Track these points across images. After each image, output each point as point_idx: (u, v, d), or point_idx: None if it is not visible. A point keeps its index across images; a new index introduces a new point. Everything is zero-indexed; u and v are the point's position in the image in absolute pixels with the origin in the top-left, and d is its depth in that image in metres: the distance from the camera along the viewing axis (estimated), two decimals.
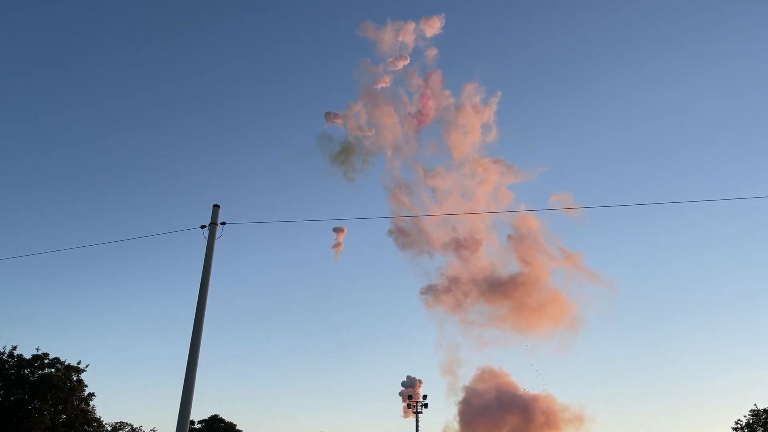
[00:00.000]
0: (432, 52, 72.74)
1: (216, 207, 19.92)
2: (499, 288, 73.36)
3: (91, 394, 57.04)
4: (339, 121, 74.65)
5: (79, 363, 55.85)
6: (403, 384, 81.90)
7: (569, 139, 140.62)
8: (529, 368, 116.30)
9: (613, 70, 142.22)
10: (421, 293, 76.67)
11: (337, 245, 78.01)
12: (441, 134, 76.59)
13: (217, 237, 19.74)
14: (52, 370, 54.48)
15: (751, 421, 62.66)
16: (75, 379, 55.29)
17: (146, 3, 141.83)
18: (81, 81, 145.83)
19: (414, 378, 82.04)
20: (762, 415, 62.40)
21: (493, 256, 77.51)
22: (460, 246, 73.78)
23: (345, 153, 74.90)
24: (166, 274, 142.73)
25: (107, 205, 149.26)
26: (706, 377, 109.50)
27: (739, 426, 63.28)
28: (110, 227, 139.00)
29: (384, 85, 73.01)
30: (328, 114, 75.19)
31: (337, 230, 75.61)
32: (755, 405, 63.06)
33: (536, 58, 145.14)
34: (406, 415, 78.69)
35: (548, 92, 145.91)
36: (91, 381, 70.13)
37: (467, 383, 74.98)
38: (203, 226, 19.67)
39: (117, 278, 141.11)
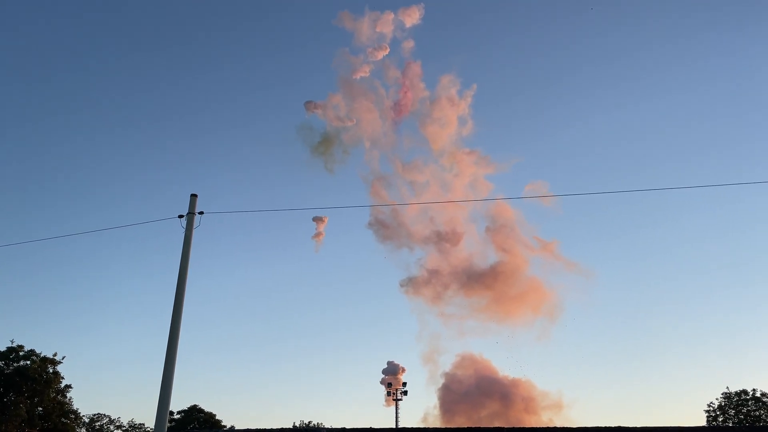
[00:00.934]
0: (409, 45, 72.55)
1: (193, 196, 19.68)
2: (478, 279, 74.13)
3: (68, 386, 56.58)
4: (319, 111, 74.24)
5: (54, 355, 55.33)
6: (385, 371, 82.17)
7: (544, 131, 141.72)
8: (509, 356, 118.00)
9: (589, 63, 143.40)
10: (401, 285, 77.00)
11: (317, 235, 77.82)
12: (419, 126, 76.72)
13: (195, 227, 19.53)
14: (28, 362, 53.83)
15: (723, 404, 64.29)
16: (51, 371, 54.70)
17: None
18: (59, 73, 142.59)
19: (396, 365, 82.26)
20: (733, 398, 64.04)
21: (472, 248, 78.19)
22: (441, 239, 74.23)
23: (325, 144, 74.67)
24: (144, 265, 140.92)
25: (82, 194, 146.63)
26: (681, 362, 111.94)
27: (711, 408, 64.91)
28: (85, 217, 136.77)
29: (363, 74, 72.72)
30: (308, 103, 74.74)
31: (318, 220, 75.34)
32: (727, 388, 64.76)
33: (512, 48, 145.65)
34: (388, 404, 79.18)
35: (524, 83, 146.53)
36: (67, 373, 69.25)
37: (447, 370, 75.76)
38: (181, 216, 19.44)
39: (93, 269, 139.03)
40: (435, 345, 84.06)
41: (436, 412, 74.22)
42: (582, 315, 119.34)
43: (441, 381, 74.83)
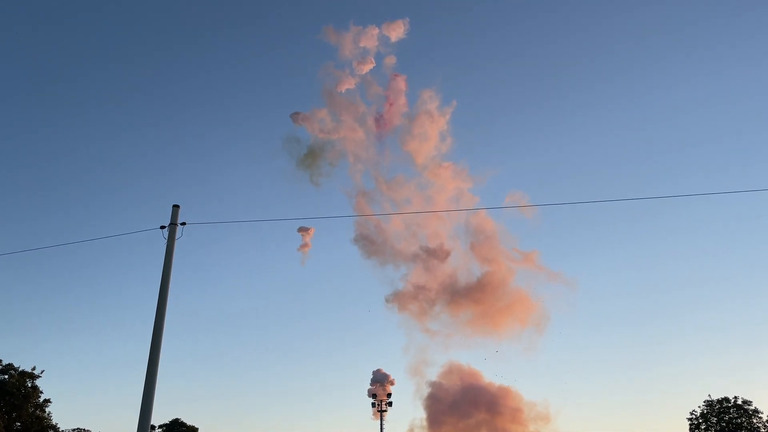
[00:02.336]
0: (393, 59, 72.80)
1: (176, 207, 19.55)
2: (463, 293, 74.15)
3: (47, 401, 55.59)
4: (305, 123, 74.02)
5: (33, 369, 54.41)
6: (373, 380, 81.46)
7: (523, 144, 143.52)
8: (496, 367, 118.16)
9: (568, 77, 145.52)
10: (387, 301, 76.46)
11: (303, 246, 77.29)
12: (402, 140, 76.92)
13: (177, 237, 19.40)
14: (5, 376, 52.93)
15: (705, 411, 64.83)
16: (29, 385, 53.78)
17: (108, 3, 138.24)
18: (42, 85, 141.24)
19: (385, 374, 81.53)
20: (715, 405, 64.62)
21: (456, 262, 78.24)
22: (430, 255, 74.14)
23: (310, 156, 74.38)
24: (125, 277, 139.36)
25: (63, 205, 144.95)
26: (664, 370, 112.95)
27: (693, 416, 65.41)
28: (65, 229, 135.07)
29: (349, 87, 72.75)
30: (294, 115, 74.49)
31: (303, 230, 74.73)
32: (709, 396, 65.35)
33: (492, 65, 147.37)
34: (375, 417, 78.68)
35: (504, 98, 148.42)
36: (46, 387, 68.08)
37: (434, 379, 75.46)
38: (163, 227, 19.30)
39: (73, 281, 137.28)
40: (422, 357, 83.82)
41: (423, 423, 73.93)
42: (567, 325, 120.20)
43: (427, 390, 74.61)
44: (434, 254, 74.14)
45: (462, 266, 77.65)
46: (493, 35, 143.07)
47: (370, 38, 70.55)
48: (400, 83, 74.57)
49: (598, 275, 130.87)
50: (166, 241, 19.15)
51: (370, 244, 76.88)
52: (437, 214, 74.01)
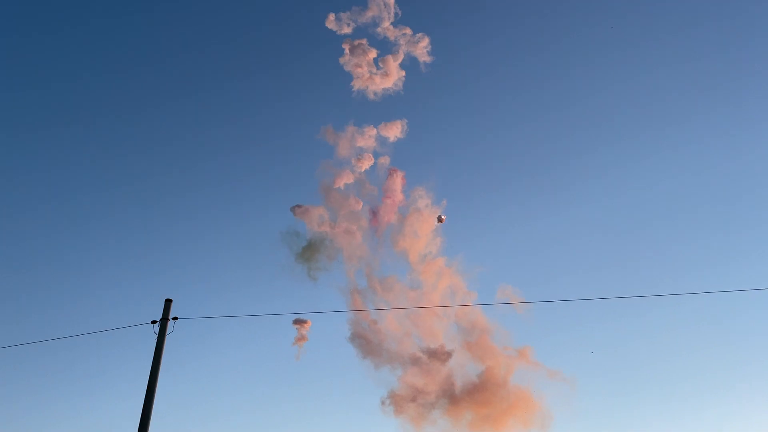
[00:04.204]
0: (389, 158, 75.14)
1: (168, 301, 19.48)
2: (461, 394, 71.75)
3: None
4: (305, 217, 75.09)
5: None
6: None
7: (515, 240, 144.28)
8: None
9: (557, 171, 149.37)
10: (383, 403, 73.33)
11: (300, 339, 75.57)
12: (395, 238, 77.43)
13: (168, 333, 19.17)
14: None
15: None
16: None
17: (83, 83, 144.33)
18: (25, 174, 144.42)
19: None
20: None
21: (452, 361, 76.27)
22: (430, 356, 72.58)
23: (309, 250, 74.64)
24: (113, 373, 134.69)
25: (50, 299, 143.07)
26: None
27: None
28: (53, 323, 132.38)
29: (347, 181, 74.50)
30: (294, 208, 75.66)
31: (300, 323, 73.36)
32: None
33: (481, 167, 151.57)
34: None
35: (495, 196, 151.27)
36: None
37: None
38: (154, 322, 19.13)
39: (58, 378, 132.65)
40: None
41: None
42: (569, 424, 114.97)
43: None
44: (434, 355, 72.44)
45: (458, 365, 75.67)
46: (489, 136, 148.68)
47: (368, 138, 73.24)
48: (397, 180, 76.43)
49: (596, 373, 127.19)
50: (156, 335, 18.90)
51: (366, 343, 75.28)
52: (432, 312, 73.25)
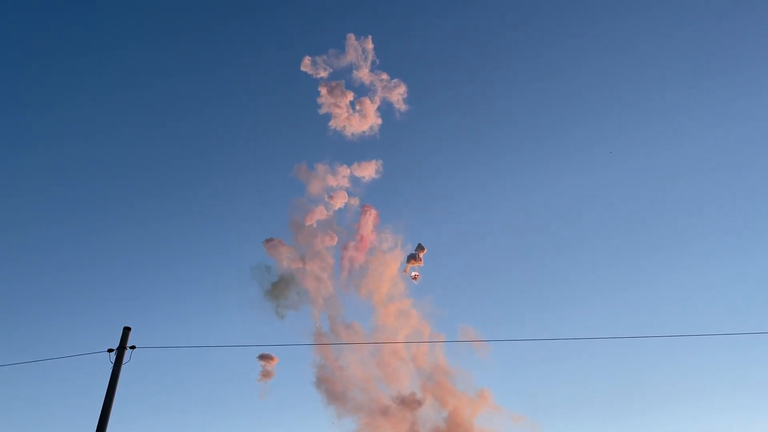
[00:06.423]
0: (361, 199, 75.32)
1: (126, 329, 19.23)
2: None
3: None
4: (274, 253, 74.47)
5: None
6: None
7: (476, 282, 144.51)
8: None
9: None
10: None
11: (265, 375, 73.54)
12: (360, 280, 76.98)
13: (125, 362, 18.87)
14: None
15: None
16: None
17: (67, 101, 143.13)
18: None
19: None
20: None
21: (418, 407, 75.08)
22: (400, 404, 71.39)
23: (278, 288, 73.74)
24: (67, 402, 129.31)
25: (2, 324, 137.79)
26: None
27: None
28: (6, 349, 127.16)
29: (320, 218, 74.42)
30: (265, 242, 75.07)
31: (265, 358, 71.47)
32: None
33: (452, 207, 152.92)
34: None
35: (456, 235, 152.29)
36: None
37: None
38: (110, 350, 18.84)
39: (10, 407, 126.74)
40: None
41: None
42: None
43: None
44: (404, 403, 71.25)
45: (423, 410, 74.63)
46: (459, 174, 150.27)
47: (341, 178, 73.58)
48: (369, 218, 76.67)
49: (560, 416, 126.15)
50: (112, 365, 18.59)
51: (331, 388, 73.82)
52: (397, 356, 72.50)
